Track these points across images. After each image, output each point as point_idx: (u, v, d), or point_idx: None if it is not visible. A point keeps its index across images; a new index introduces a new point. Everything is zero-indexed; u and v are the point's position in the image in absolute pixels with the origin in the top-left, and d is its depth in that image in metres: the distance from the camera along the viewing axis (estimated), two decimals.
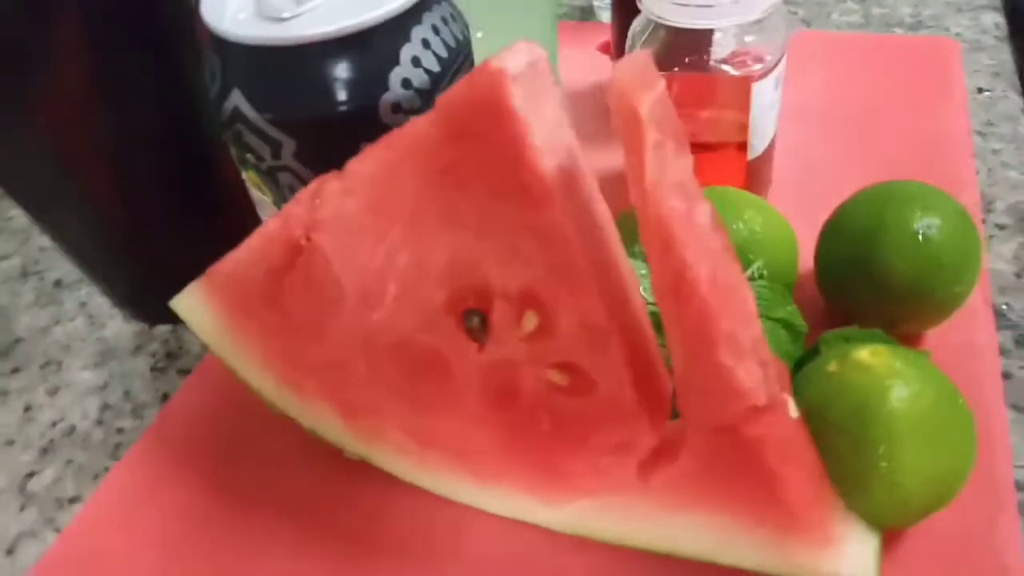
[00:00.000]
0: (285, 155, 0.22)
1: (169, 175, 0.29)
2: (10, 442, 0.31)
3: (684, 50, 0.29)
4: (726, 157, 0.30)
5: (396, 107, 0.22)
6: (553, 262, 0.18)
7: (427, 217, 0.19)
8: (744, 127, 0.29)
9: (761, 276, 0.25)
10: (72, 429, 0.31)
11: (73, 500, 0.29)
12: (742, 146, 0.30)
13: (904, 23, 0.47)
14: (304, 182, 0.23)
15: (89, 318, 0.36)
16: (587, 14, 0.51)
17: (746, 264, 0.26)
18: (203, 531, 0.26)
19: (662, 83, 0.17)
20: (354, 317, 0.22)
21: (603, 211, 0.19)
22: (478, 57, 0.27)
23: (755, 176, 0.31)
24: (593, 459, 0.21)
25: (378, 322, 0.22)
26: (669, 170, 0.16)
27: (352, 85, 0.21)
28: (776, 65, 0.29)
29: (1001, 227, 0.33)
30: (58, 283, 0.38)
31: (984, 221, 0.34)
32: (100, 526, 0.26)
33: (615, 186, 0.32)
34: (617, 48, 0.37)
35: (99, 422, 0.31)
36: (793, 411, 0.19)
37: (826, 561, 0.20)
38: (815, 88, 0.41)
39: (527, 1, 0.32)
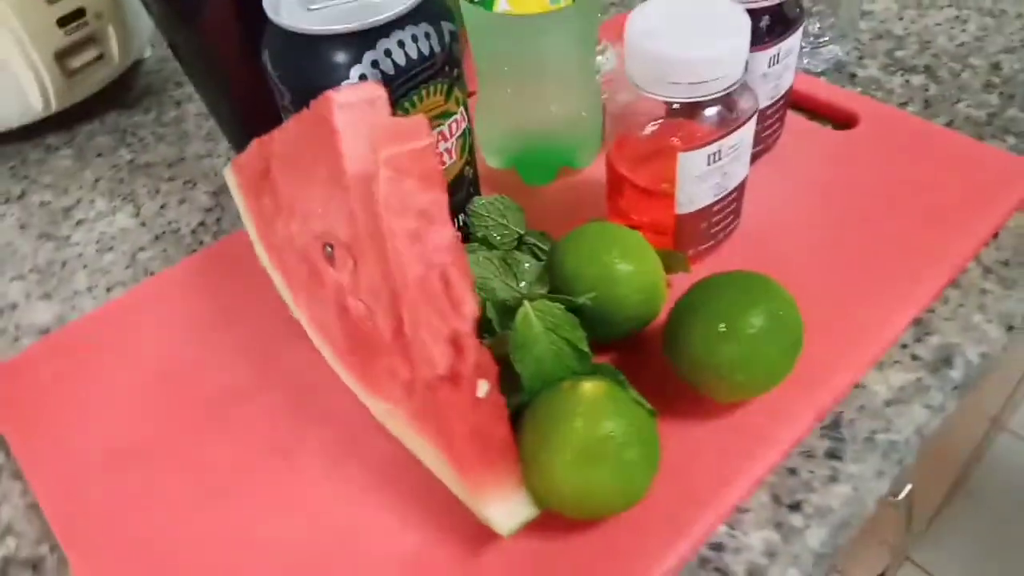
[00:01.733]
0: (286, 101, 0.32)
1: None
2: (143, 224, 0.46)
3: (645, 111, 0.34)
4: (657, 205, 0.35)
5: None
6: (354, 232, 0.26)
7: (313, 173, 0.28)
8: (671, 186, 0.34)
9: (582, 305, 0.31)
10: (177, 230, 0.46)
11: (153, 274, 0.43)
12: (670, 201, 0.34)
13: None
14: None
15: (228, 160, 0.50)
16: None
17: (585, 291, 0.32)
18: (199, 334, 0.39)
19: (425, 141, 0.24)
20: (284, 223, 0.32)
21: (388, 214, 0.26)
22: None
23: (683, 229, 0.36)
24: (381, 373, 0.30)
25: (293, 232, 0.32)
26: (407, 199, 0.24)
27: (323, 68, 0.30)
28: (713, 142, 0.33)
29: (916, 358, 0.34)
30: None
31: (904, 346, 0.35)
32: (144, 297, 0.40)
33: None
34: None
35: (193, 231, 0.45)
36: (480, 391, 0.26)
37: (480, 506, 0.27)
38: (857, 167, 0.42)
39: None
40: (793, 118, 0.46)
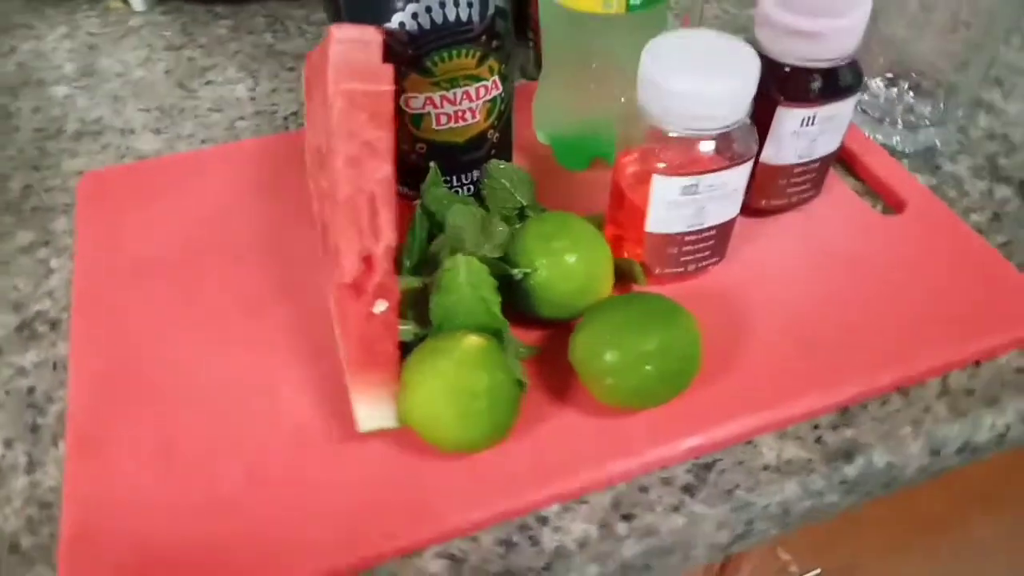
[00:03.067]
0: None
1: None
2: (252, 99, 0.54)
3: (648, 129, 0.36)
4: (639, 219, 0.37)
5: (389, 34, 0.35)
6: (326, 148, 0.31)
7: (318, 91, 0.33)
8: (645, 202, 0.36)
9: (513, 276, 0.34)
10: (275, 112, 0.53)
11: (239, 140, 0.51)
12: (643, 215, 0.37)
13: None
14: None
15: None
16: None
17: (527, 265, 0.35)
18: (245, 198, 0.45)
19: (384, 87, 0.28)
20: (311, 126, 0.38)
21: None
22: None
23: (651, 247, 0.37)
24: (329, 266, 0.35)
25: (312, 135, 0.37)
26: (356, 130, 0.28)
27: (374, 8, 0.35)
28: (692, 175, 0.34)
29: (819, 441, 0.35)
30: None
31: (817, 426, 0.35)
32: (223, 156, 0.48)
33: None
34: None
35: (285, 117, 0.52)
36: (378, 308, 0.31)
37: (354, 401, 0.32)
38: (877, 250, 0.41)
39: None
40: (842, 186, 0.45)
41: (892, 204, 0.45)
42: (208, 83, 0.55)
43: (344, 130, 0.29)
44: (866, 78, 0.49)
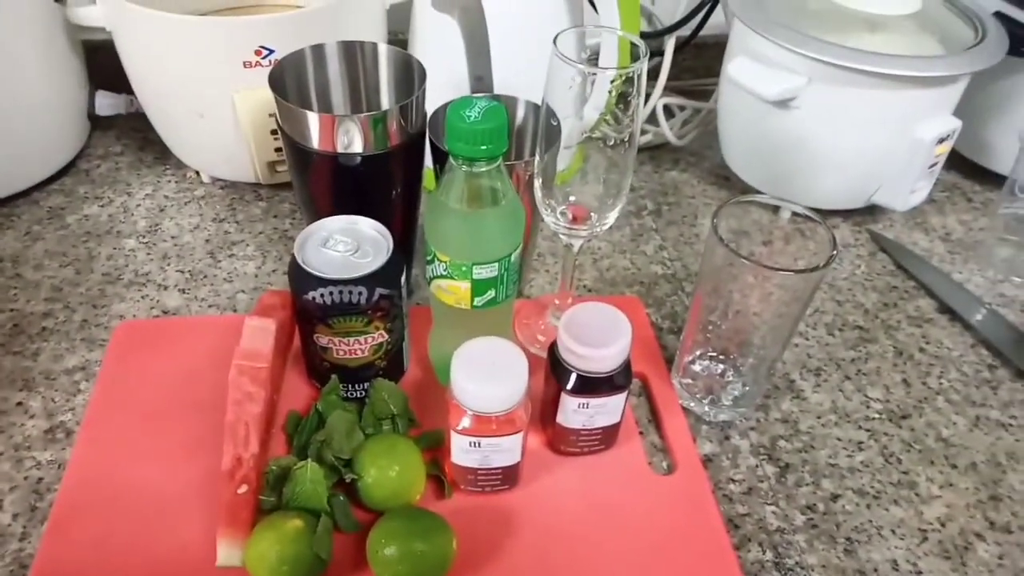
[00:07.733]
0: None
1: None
2: (256, 275, 0.74)
3: None
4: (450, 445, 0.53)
5: (307, 301, 0.54)
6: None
7: None
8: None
9: (350, 480, 0.51)
10: (271, 286, 0.72)
11: (236, 312, 0.70)
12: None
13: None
14: None
15: None
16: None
17: (361, 471, 0.52)
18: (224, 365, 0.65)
19: (261, 364, 0.46)
20: None
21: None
22: None
23: (456, 470, 0.54)
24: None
25: None
26: (242, 384, 0.46)
27: (298, 281, 0.54)
28: (475, 436, 0.51)
29: None
30: None
31: None
32: (215, 325, 0.67)
33: None
34: None
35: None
36: (241, 490, 0.48)
37: (218, 545, 0.49)
38: (639, 500, 0.56)
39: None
40: (637, 443, 0.60)
41: (671, 462, 0.59)
42: (231, 256, 0.76)
43: (234, 384, 0.47)
44: (696, 352, 0.65)
